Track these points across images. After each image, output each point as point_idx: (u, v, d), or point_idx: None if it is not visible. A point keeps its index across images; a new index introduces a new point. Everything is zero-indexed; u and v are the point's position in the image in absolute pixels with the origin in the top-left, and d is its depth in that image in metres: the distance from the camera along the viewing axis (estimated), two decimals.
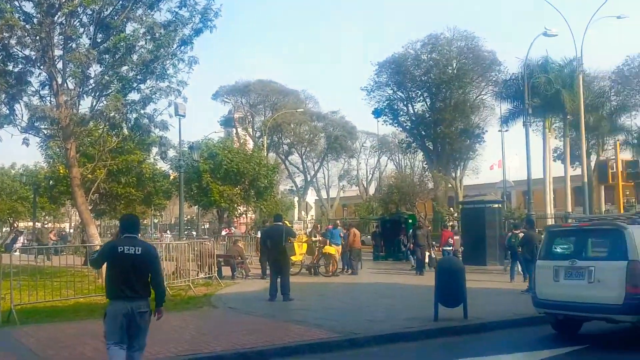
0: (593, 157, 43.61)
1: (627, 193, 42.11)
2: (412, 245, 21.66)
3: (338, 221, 25.24)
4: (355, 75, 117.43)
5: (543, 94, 35.75)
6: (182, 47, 14.95)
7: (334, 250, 19.45)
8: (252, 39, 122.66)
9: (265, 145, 51.27)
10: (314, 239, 19.79)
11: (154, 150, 24.45)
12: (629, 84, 48.79)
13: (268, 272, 14.49)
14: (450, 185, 48.37)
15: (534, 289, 9.60)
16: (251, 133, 63.52)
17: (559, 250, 9.69)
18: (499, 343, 9.10)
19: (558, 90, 35.65)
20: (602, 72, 47.08)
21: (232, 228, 28.54)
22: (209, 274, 16.34)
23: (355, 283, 17.41)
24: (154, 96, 14.93)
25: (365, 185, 69.15)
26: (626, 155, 47.38)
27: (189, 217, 57.74)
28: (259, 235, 21.69)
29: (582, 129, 26.50)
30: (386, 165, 67.54)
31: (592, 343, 8.93)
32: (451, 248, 22.08)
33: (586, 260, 8.93)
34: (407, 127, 50.75)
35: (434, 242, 24.12)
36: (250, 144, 53.06)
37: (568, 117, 37.75)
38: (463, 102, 46.77)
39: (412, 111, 50.09)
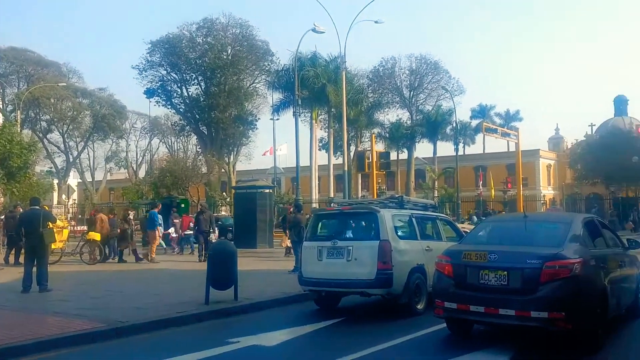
0: (353, 148, 47.89)
1: (379, 181, 47.25)
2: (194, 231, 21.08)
3: (159, 203, 23.43)
4: (127, 53, 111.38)
5: (311, 86, 38.20)
6: None
7: (98, 236, 18.30)
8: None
9: (19, 121, 45.74)
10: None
11: None
12: (383, 83, 54.69)
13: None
14: (223, 170, 48.89)
15: (300, 268, 10.25)
16: (1, 106, 56.13)
17: (322, 231, 10.47)
18: (268, 321, 9.50)
19: (324, 84, 38.37)
20: (361, 71, 52.00)
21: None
22: None
23: (123, 270, 16.61)
24: None
25: (135, 168, 66.22)
26: (380, 147, 53.08)
27: None
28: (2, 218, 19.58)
29: (344, 122, 28.86)
30: (158, 148, 65.59)
31: (348, 316, 9.85)
32: (192, 232, 22.11)
33: (346, 241, 9.81)
34: (181, 109, 49.89)
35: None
36: None
37: (332, 109, 40.87)
38: (237, 89, 47.50)
39: (186, 94, 49.36)
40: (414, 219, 10.32)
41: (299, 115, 29.02)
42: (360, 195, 44.95)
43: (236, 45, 47.77)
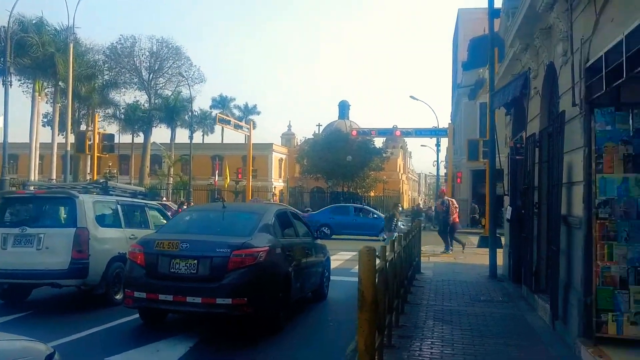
0: (85, 127, 44.52)
1: (110, 164, 44.80)
2: None
3: None
4: None
5: (35, 55, 34.40)
6: None
7: None
8: None
9: None
10: None
11: None
12: (121, 62, 51.97)
13: None
14: None
15: None
16: None
17: (9, 217, 9.39)
18: None
19: (53, 54, 34.93)
20: (97, 46, 48.60)
21: None
22: None
23: None
24: None
25: None
26: (114, 128, 50.40)
27: None
28: None
29: (70, 97, 26.67)
30: None
31: (37, 308, 9.03)
32: None
33: (37, 228, 8.93)
34: None
35: None
36: None
37: (60, 83, 37.39)
38: None
39: None
40: (119, 206, 9.92)
41: (11, 84, 25.53)
42: (88, 178, 42.01)
43: None
